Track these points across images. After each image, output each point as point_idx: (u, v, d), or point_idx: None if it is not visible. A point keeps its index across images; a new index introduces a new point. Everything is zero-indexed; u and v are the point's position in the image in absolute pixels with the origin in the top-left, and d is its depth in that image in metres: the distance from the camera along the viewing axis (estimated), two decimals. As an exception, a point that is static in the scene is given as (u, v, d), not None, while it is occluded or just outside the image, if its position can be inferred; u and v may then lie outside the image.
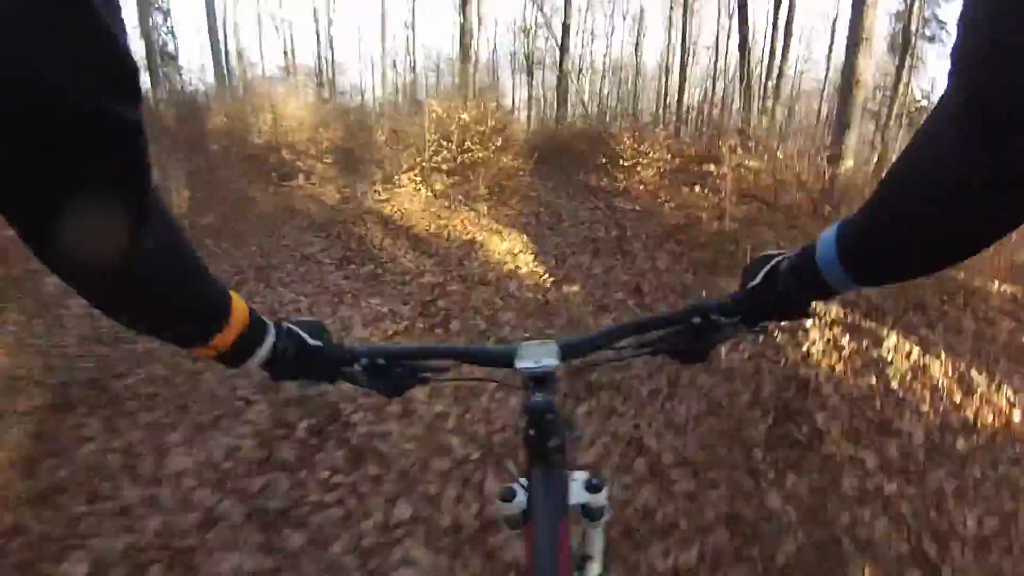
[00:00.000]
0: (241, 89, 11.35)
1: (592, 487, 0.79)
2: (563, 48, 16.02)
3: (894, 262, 0.51)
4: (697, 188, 6.71)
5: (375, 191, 6.68)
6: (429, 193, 6.74)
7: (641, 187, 7.51)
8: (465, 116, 7.18)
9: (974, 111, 0.35)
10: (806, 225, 5.27)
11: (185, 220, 5.03)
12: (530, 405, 0.68)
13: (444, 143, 7.06)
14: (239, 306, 0.59)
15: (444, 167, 6.98)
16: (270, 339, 0.64)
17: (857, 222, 0.51)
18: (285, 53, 20.88)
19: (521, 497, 0.75)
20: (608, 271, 4.80)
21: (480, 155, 7.03)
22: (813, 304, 0.62)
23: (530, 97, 22.98)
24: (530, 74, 22.34)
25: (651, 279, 4.49)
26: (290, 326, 0.69)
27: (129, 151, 0.35)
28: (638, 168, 7.84)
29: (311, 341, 0.69)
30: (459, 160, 7.02)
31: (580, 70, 19.92)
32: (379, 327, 3.65)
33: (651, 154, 8.10)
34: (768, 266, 0.64)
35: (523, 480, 0.75)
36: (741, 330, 0.69)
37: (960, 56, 0.35)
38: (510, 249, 5.36)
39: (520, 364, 0.71)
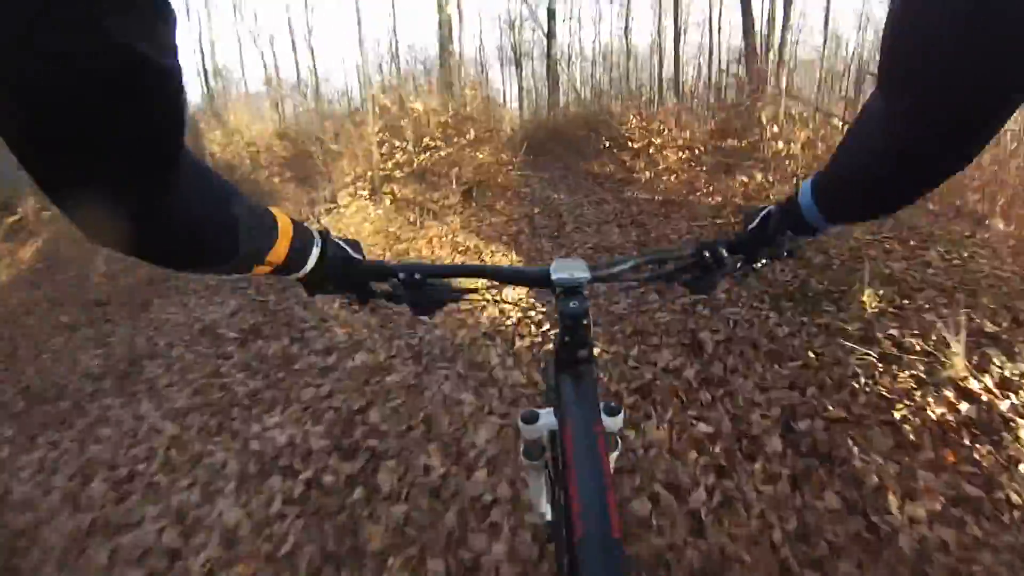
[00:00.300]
0: (224, 106, 10.28)
1: (609, 410, 0.81)
2: (550, 34, 14.77)
3: (852, 205, 0.63)
4: (739, 174, 5.11)
5: (322, 212, 5.17)
6: (382, 209, 5.18)
7: (664, 174, 5.95)
8: (418, 106, 5.60)
9: (892, 95, 0.46)
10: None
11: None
12: (566, 311, 0.70)
13: (398, 143, 5.51)
14: (282, 217, 0.61)
15: (399, 173, 5.42)
16: (317, 248, 0.66)
17: (826, 172, 0.62)
18: (265, 67, 19.65)
19: (544, 419, 0.82)
20: (639, 311, 2.98)
21: (445, 152, 5.48)
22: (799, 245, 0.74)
23: (521, 89, 21.53)
24: (518, 65, 20.95)
25: (712, 323, 2.73)
26: (334, 238, 0.70)
27: (162, 98, 0.35)
28: (651, 150, 6.29)
29: (354, 254, 0.71)
30: (420, 162, 5.48)
31: (569, 57, 18.43)
32: (257, 494, 1.92)
33: (665, 132, 6.55)
34: (763, 212, 0.75)
35: (545, 410, 0.83)
36: (742, 266, 0.79)
37: (885, 38, 0.44)
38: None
39: (555, 275, 0.73)
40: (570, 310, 0.70)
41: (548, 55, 14.90)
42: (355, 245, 0.73)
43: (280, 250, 0.60)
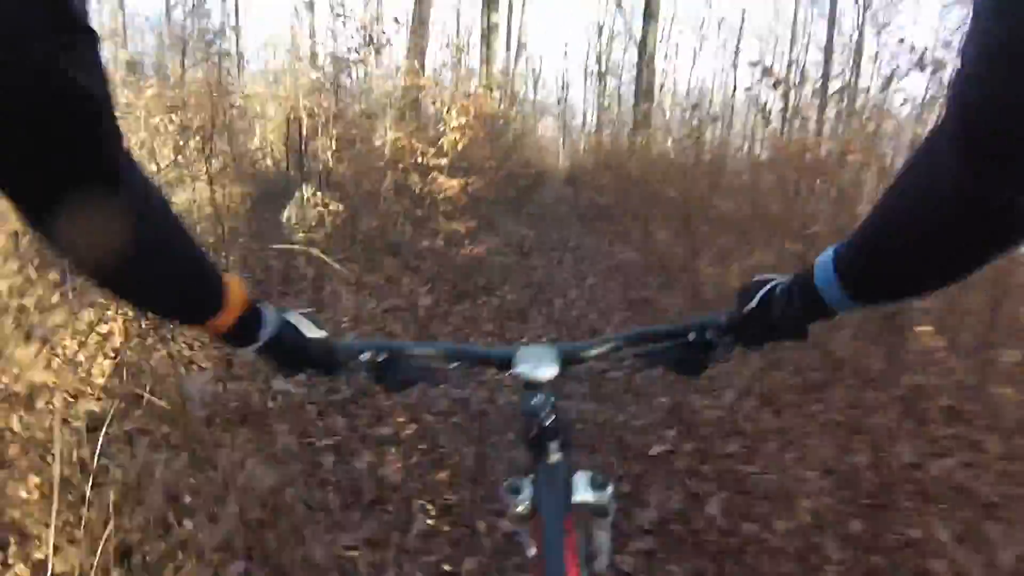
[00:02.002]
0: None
1: (597, 484, 0.77)
2: (643, 41, 11.87)
3: (890, 281, 0.52)
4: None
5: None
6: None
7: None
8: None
9: (972, 138, 0.36)
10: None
11: None
12: (526, 409, 0.68)
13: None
14: (236, 287, 0.60)
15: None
16: (271, 324, 0.65)
17: (854, 241, 0.52)
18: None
19: (528, 492, 0.76)
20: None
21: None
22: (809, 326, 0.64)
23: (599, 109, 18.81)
24: (601, 78, 18.30)
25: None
26: (289, 315, 0.69)
27: (88, 118, 0.35)
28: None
29: (314, 332, 0.70)
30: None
31: (662, 86, 15.09)
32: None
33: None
34: (764, 290, 0.65)
35: (531, 476, 0.78)
36: (735, 349, 0.72)
37: (960, 84, 0.36)
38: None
39: (518, 369, 0.70)
40: (530, 408, 0.68)
41: (640, 66, 12.10)
42: (316, 321, 0.71)
43: (224, 321, 0.59)
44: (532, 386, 0.69)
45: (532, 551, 0.88)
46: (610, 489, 0.79)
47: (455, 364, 0.76)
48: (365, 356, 0.71)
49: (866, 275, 0.53)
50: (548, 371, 0.69)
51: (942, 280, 0.49)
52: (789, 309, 0.60)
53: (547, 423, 0.67)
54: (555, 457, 0.69)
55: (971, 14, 0.34)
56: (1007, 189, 0.37)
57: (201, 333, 0.63)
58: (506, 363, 0.72)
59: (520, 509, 0.79)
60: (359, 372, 0.72)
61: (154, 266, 0.50)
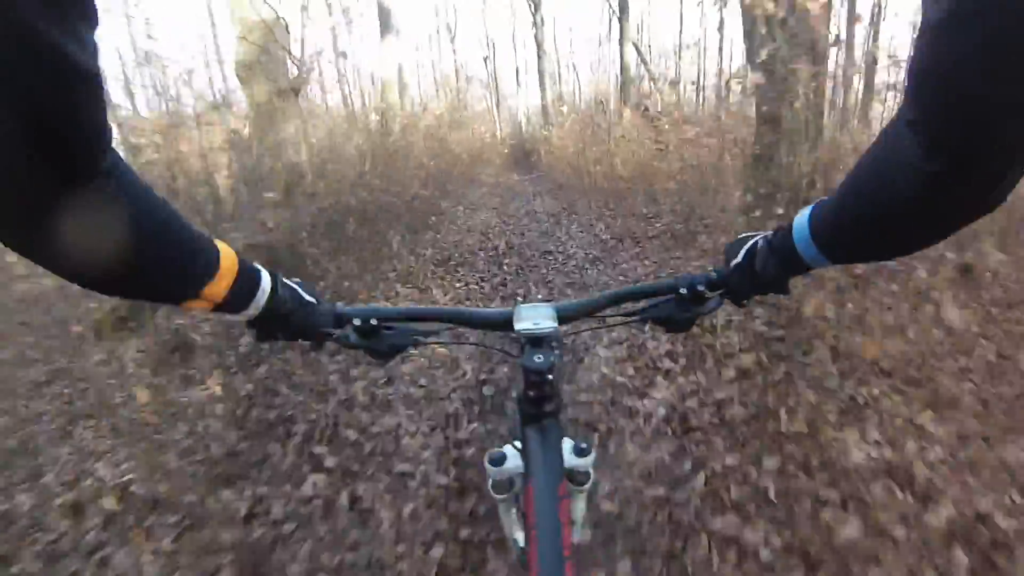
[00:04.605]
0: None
1: (580, 451, 0.80)
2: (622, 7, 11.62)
3: (859, 244, 0.55)
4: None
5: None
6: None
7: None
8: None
9: (928, 125, 0.40)
10: None
11: None
12: (530, 366, 0.66)
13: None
14: (227, 253, 0.57)
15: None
16: (266, 287, 0.62)
17: (828, 205, 0.55)
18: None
19: (512, 462, 0.79)
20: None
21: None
22: (791, 281, 0.66)
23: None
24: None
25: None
26: (283, 279, 0.66)
27: (84, 97, 0.35)
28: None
29: (307, 296, 0.68)
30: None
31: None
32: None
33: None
34: (747, 245, 0.67)
35: (516, 444, 0.76)
36: (722, 304, 0.74)
37: (916, 74, 0.39)
38: None
39: (519, 326, 0.70)
40: (535, 365, 0.66)
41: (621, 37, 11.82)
42: (309, 287, 0.70)
43: (219, 286, 0.56)
44: (535, 343, 0.68)
45: (512, 524, 0.89)
46: (592, 456, 0.81)
47: (450, 327, 0.76)
48: (357, 322, 0.69)
49: (837, 238, 0.56)
50: (550, 324, 0.69)
51: (907, 248, 0.52)
52: (770, 262, 0.63)
53: (549, 378, 0.67)
54: (550, 420, 0.69)
55: (920, 7, 0.36)
56: (962, 170, 0.40)
57: (198, 309, 0.57)
58: (505, 322, 0.72)
59: (505, 477, 0.80)
60: (350, 338, 0.70)
61: (149, 250, 0.48)
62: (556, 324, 0.69)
